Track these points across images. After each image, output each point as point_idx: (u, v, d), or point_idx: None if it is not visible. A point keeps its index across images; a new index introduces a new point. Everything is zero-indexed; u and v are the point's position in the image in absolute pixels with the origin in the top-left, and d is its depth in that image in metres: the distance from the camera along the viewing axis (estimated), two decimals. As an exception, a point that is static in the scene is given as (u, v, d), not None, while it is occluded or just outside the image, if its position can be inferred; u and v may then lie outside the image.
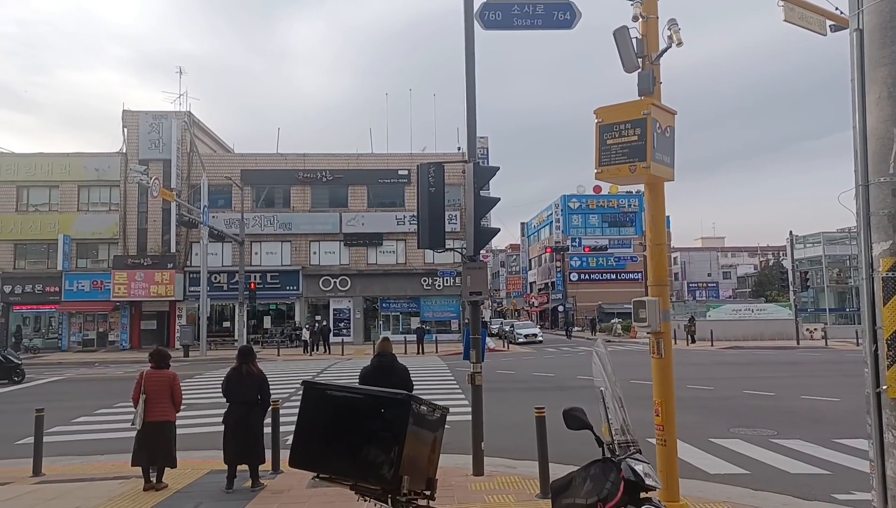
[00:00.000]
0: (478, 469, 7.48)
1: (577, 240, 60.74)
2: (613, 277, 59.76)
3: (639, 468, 3.26)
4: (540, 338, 40.08)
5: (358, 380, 6.89)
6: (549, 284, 65.19)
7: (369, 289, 38.83)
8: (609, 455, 3.39)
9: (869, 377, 3.48)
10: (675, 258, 77.52)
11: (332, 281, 38.45)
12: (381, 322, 39.52)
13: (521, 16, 7.10)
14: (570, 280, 59.37)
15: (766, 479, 7.42)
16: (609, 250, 60.65)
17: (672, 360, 5.19)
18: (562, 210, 62.40)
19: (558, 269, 61.01)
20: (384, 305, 39.63)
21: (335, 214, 38.90)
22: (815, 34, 7.79)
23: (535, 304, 66.91)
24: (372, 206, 39.36)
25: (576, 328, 52.33)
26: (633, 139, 5.67)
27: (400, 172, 39.02)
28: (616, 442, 3.43)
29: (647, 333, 5.29)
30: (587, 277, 59.75)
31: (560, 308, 60.28)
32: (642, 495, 3.29)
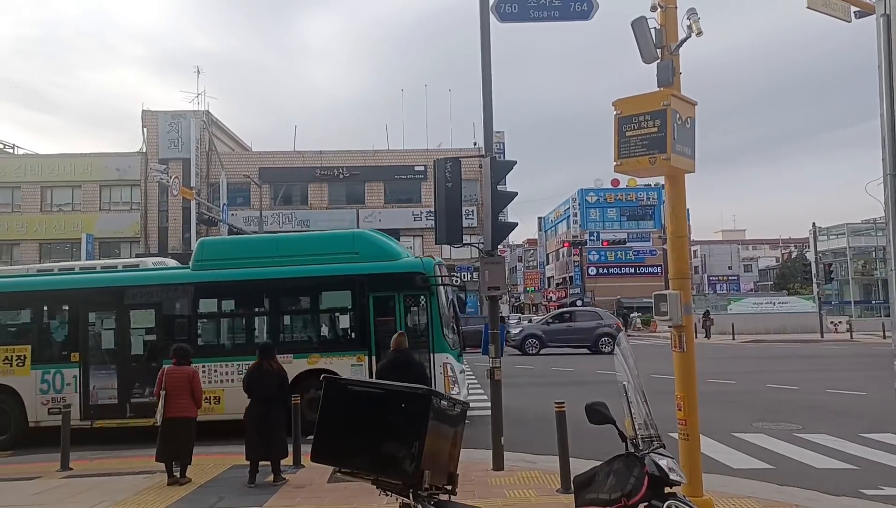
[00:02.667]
0: (497, 464, 7.48)
1: (595, 234, 60.30)
2: (632, 271, 59.28)
3: (663, 462, 3.23)
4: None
5: (375, 376, 6.92)
6: (567, 278, 64.86)
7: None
8: (632, 450, 3.36)
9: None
10: (695, 252, 76.69)
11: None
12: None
13: (538, 7, 7.05)
14: (588, 275, 59.00)
15: (792, 474, 7.32)
16: (628, 244, 60.15)
17: (694, 354, 5.12)
18: (579, 204, 61.99)
19: (576, 263, 60.67)
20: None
21: (352, 210, 39.07)
22: (840, 21, 7.65)
23: (553, 299, 66.60)
24: (389, 202, 39.47)
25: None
26: (652, 131, 5.60)
27: (416, 168, 39.07)
28: (639, 437, 3.39)
29: (669, 327, 5.23)
30: (605, 271, 59.35)
31: (578, 303, 59.98)
32: (666, 490, 3.25)
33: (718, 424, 10.10)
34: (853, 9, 7.54)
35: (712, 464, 7.45)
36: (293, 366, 10.19)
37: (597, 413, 3.49)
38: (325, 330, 11.62)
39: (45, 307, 11.63)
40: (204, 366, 10.27)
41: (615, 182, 58.76)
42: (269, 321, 11.39)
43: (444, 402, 3.59)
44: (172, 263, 13.85)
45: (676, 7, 6.25)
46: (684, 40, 6.06)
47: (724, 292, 67.14)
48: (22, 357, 10.99)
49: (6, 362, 10.97)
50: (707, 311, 36.96)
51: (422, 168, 38.46)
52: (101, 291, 11.42)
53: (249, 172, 36.82)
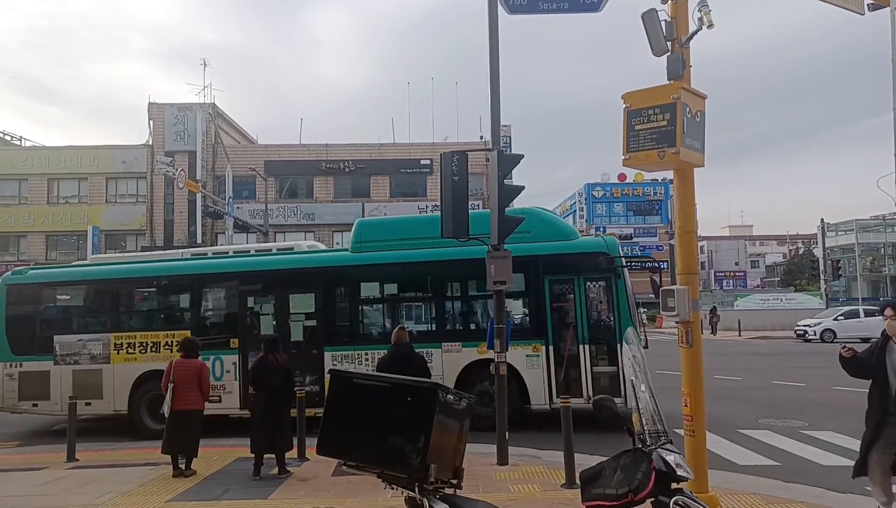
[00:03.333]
0: (502, 459, 7.46)
1: (602, 229, 60.12)
2: (638, 266, 59.12)
3: (670, 458, 3.20)
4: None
5: (376, 370, 6.93)
6: (574, 273, 64.62)
7: (392, 279, 38.92)
8: (640, 446, 3.33)
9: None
10: (702, 247, 76.29)
11: (356, 271, 38.60)
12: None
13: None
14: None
15: (798, 471, 7.28)
16: (634, 239, 59.97)
17: (701, 350, 5.08)
18: (585, 199, 61.80)
19: (582, 258, 60.43)
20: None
21: (358, 204, 39.01)
22: (853, 13, 7.55)
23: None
24: (394, 196, 39.41)
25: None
26: (662, 124, 5.53)
27: (422, 162, 38.97)
28: (647, 432, 3.36)
29: (676, 322, 5.18)
30: (611, 266, 59.10)
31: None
32: (673, 486, 3.23)
33: (724, 420, 10.07)
34: (867, 1, 7.47)
35: (718, 461, 7.42)
36: (461, 356, 9.90)
37: (604, 408, 3.47)
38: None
39: (205, 291, 11.33)
40: (366, 353, 10.19)
41: (622, 177, 58.54)
42: (435, 307, 10.79)
43: (450, 396, 3.57)
44: (322, 246, 13.61)
45: (687, -1, 6.17)
46: (695, 33, 5.99)
47: (731, 288, 66.87)
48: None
49: (166, 347, 10.70)
50: (714, 307, 36.85)
51: (427, 162, 38.38)
52: (260, 274, 11.06)
53: (255, 166, 36.83)
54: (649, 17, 6.01)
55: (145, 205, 38.15)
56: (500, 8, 7.31)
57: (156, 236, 37.95)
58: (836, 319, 30.94)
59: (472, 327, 10.51)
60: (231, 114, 43.98)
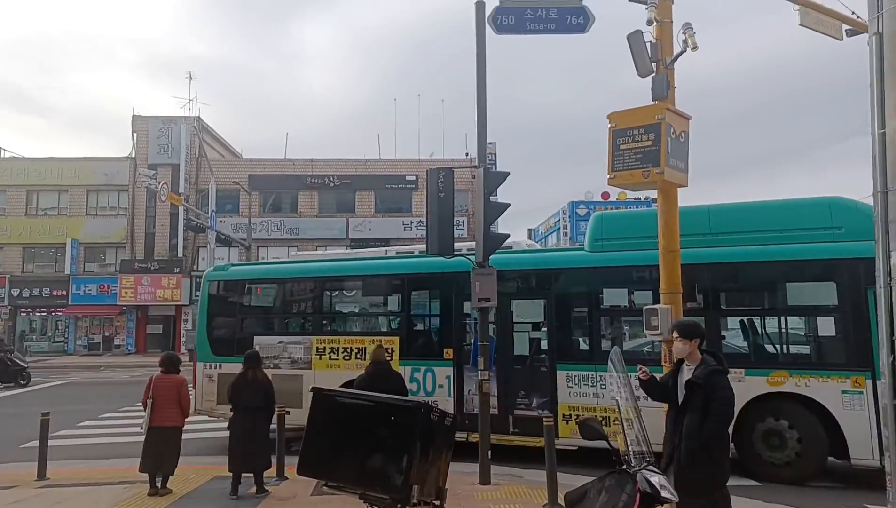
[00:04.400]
0: (484, 478, 7.38)
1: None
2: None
3: (654, 479, 3.18)
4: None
5: (353, 388, 6.85)
6: (556, 291, 64.95)
7: (376, 295, 38.79)
8: (624, 467, 3.31)
9: (887, 388, 3.37)
10: (682, 266, 76.85)
11: (341, 286, 38.45)
12: None
13: (535, 20, 7.05)
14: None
15: (779, 490, 7.28)
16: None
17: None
18: (569, 216, 62.16)
19: (565, 276, 60.78)
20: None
21: (342, 219, 38.91)
22: (832, 38, 7.73)
23: (542, 311, 66.29)
24: (379, 211, 39.36)
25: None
26: (646, 144, 5.61)
27: (408, 178, 39.04)
28: (631, 453, 3.34)
29: (659, 341, 5.20)
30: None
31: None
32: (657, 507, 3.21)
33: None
34: (845, 27, 7.65)
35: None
36: (744, 386, 7.42)
37: (590, 429, 3.45)
38: (797, 337, 8.37)
39: (418, 293, 10.13)
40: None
41: (605, 195, 58.93)
42: (709, 323, 7.61)
43: (434, 414, 3.53)
44: (537, 245, 12.60)
45: (672, 21, 6.28)
46: (679, 54, 6.09)
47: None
48: (389, 351, 9.30)
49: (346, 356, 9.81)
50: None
51: (413, 177, 38.45)
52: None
53: (239, 179, 36.62)
54: (635, 39, 6.10)
55: (126, 218, 37.71)
56: (488, 27, 7.36)
57: (136, 249, 37.49)
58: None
59: (762, 348, 8.30)
60: (217, 127, 43.74)
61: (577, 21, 6.92)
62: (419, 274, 10.01)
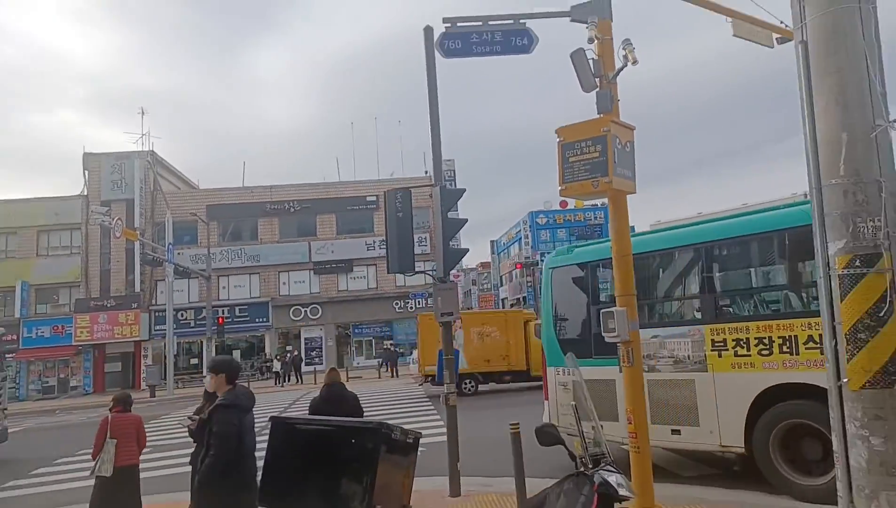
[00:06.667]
0: (454, 490, 7.44)
1: (546, 255, 61.32)
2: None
3: (612, 479, 3.28)
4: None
5: (308, 412, 6.81)
6: (521, 299, 65.54)
7: (341, 316, 38.49)
8: (582, 469, 3.41)
9: (830, 372, 3.57)
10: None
11: (303, 310, 38.02)
12: (353, 348, 39.19)
13: (480, 43, 7.23)
14: (540, 294, 59.71)
15: (737, 476, 7.54)
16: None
17: (642, 368, 5.26)
18: (530, 226, 63.08)
19: (529, 284, 61.42)
20: (357, 331, 39.33)
21: (304, 243, 38.63)
22: (764, 47, 8.14)
23: (509, 322, 66.81)
24: (341, 233, 39.22)
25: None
26: (594, 156, 5.82)
27: (368, 199, 39.06)
28: (589, 455, 3.44)
29: (617, 342, 5.37)
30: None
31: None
32: (616, 506, 3.30)
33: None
34: (775, 36, 8.06)
35: (664, 473, 7.58)
36: None
37: (546, 435, 3.54)
38: None
39: None
40: None
41: (563, 204, 60.02)
42: None
43: (395, 433, 3.56)
44: None
45: (612, 38, 6.53)
46: (621, 69, 6.34)
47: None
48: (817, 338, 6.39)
49: (811, 345, 6.32)
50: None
51: (374, 198, 38.47)
52: None
53: (196, 210, 36.05)
54: (578, 57, 6.32)
55: (80, 256, 36.68)
56: (436, 52, 7.53)
57: (91, 287, 36.47)
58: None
59: None
60: (172, 158, 43.30)
61: (521, 42, 7.13)
62: None
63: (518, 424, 6.97)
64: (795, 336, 6.44)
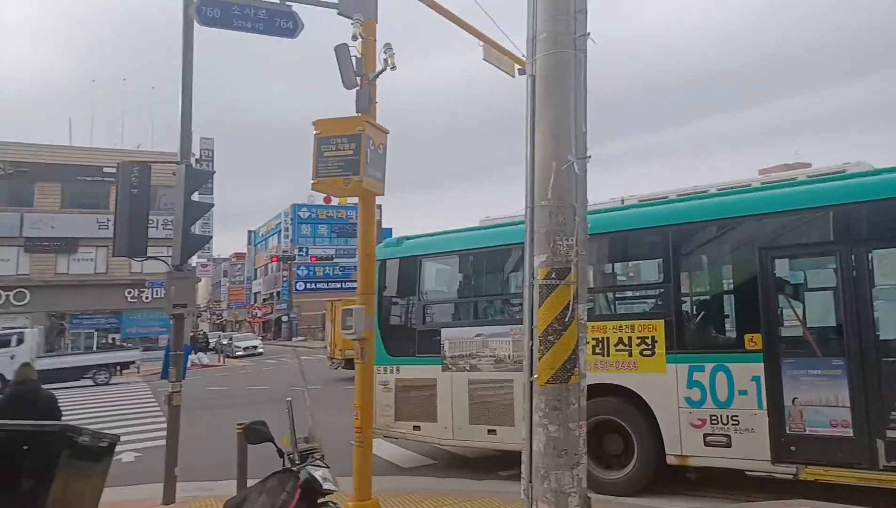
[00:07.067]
0: (168, 497, 6.87)
1: (305, 249, 60.57)
2: (339, 286, 60.82)
3: (318, 473, 3.33)
4: (260, 350, 39.21)
5: None
6: (275, 294, 63.81)
7: (56, 303, 33.25)
8: (289, 465, 3.40)
9: (525, 369, 4.08)
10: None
11: (4, 295, 32.04)
12: (69, 342, 34.06)
13: (242, 17, 6.86)
14: (295, 290, 58.90)
15: (451, 466, 8.27)
16: (335, 260, 61.66)
17: (374, 365, 5.46)
18: (291, 219, 61.76)
19: (284, 279, 60.07)
20: (76, 321, 34.36)
21: (15, 214, 32.67)
22: (508, 75, 9.08)
23: (259, 314, 64.77)
24: (69, 206, 34.01)
25: (299, 338, 52.38)
26: (348, 153, 5.90)
27: (106, 170, 34.45)
28: (298, 452, 3.45)
29: (353, 339, 5.49)
30: (313, 286, 59.76)
31: (284, 318, 59.38)
32: (320, 500, 3.36)
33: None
34: (517, 67, 9.02)
35: (387, 466, 8.05)
36: None
37: (255, 433, 3.47)
38: None
39: (696, 252, 6.87)
40: None
41: (328, 199, 59.93)
42: None
43: (84, 437, 3.16)
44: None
45: (376, 40, 6.68)
46: (381, 72, 6.52)
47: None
48: (649, 340, 6.53)
49: (621, 347, 6.62)
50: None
51: (113, 170, 34.07)
52: (806, 216, 6.19)
53: None
54: (341, 52, 6.35)
55: None
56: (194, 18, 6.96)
57: None
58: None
59: None
60: None
61: (286, 25, 6.92)
62: (695, 224, 6.83)
63: (244, 424, 6.71)
64: (608, 338, 6.79)
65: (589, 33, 4.20)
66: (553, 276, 3.95)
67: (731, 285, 6.62)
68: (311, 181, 6.16)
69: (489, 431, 7.21)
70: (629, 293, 7.81)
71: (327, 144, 6.06)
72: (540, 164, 4.27)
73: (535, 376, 3.88)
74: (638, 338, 6.57)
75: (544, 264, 4.00)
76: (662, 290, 6.82)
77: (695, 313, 6.84)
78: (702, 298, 6.90)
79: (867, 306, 5.69)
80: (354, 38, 6.55)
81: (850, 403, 5.56)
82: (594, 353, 6.75)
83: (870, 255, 5.77)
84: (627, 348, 6.62)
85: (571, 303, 3.87)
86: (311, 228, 62.28)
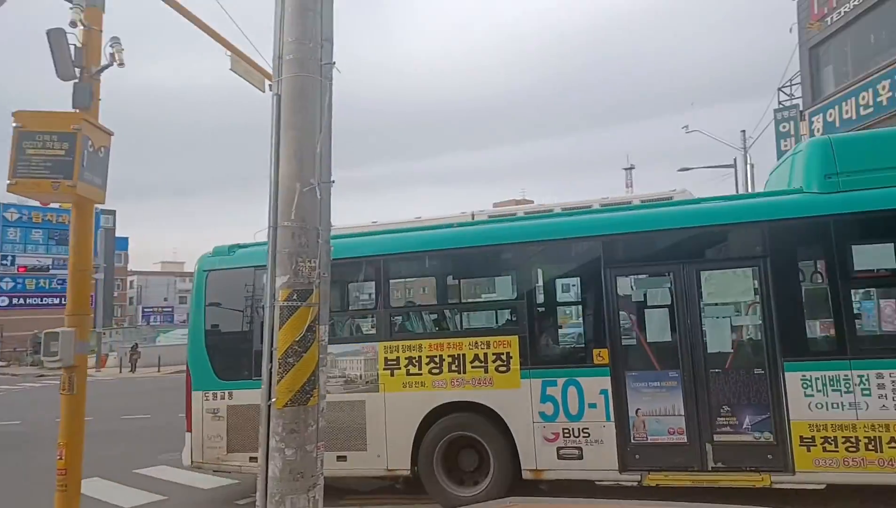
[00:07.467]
0: None
1: (11, 258, 50.72)
2: (56, 301, 52.13)
3: None
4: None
5: None
6: (-33, 307, 52.34)
7: None
8: None
9: (263, 392, 3.97)
10: (131, 282, 74.36)
11: None
12: None
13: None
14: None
15: (184, 501, 7.68)
16: (51, 272, 52.69)
17: (85, 397, 4.80)
18: (-5, 221, 51.28)
19: (-19, 290, 49.61)
20: None
21: None
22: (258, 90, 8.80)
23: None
24: None
25: (0, 363, 44.04)
26: (59, 154, 5.21)
27: None
28: None
29: (59, 368, 4.77)
30: (22, 302, 50.27)
31: (-24, 339, 49.06)
32: None
33: (122, 462, 9.87)
34: (267, 82, 8.82)
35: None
36: None
37: None
38: None
39: (550, 267, 6.92)
40: (874, 374, 5.77)
41: (45, 202, 51.18)
42: None
43: None
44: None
45: (101, 31, 6.01)
46: (106, 67, 5.91)
47: (158, 323, 66.49)
48: (504, 356, 6.59)
49: (476, 364, 6.67)
50: (136, 344, 36.01)
51: None
52: (640, 238, 6.65)
53: None
54: (56, 37, 5.61)
55: None
56: None
57: None
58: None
59: None
60: None
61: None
62: (546, 243, 7.00)
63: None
64: (463, 355, 6.80)
65: (335, 63, 4.28)
66: (294, 297, 3.93)
67: (581, 301, 6.98)
68: (7, 181, 5.27)
69: (338, 458, 6.85)
70: (487, 310, 7.94)
71: (31, 141, 5.27)
72: (284, 184, 4.23)
73: (274, 399, 3.79)
74: (493, 354, 6.70)
75: (286, 286, 3.95)
76: (516, 306, 6.98)
77: (547, 329, 7.04)
78: (553, 314, 7.11)
79: (697, 322, 6.36)
80: (73, 24, 5.83)
81: (684, 411, 6.17)
82: (450, 370, 6.82)
83: (699, 275, 6.45)
84: (483, 364, 6.74)
85: (313, 324, 3.88)
86: (22, 233, 52.20)
